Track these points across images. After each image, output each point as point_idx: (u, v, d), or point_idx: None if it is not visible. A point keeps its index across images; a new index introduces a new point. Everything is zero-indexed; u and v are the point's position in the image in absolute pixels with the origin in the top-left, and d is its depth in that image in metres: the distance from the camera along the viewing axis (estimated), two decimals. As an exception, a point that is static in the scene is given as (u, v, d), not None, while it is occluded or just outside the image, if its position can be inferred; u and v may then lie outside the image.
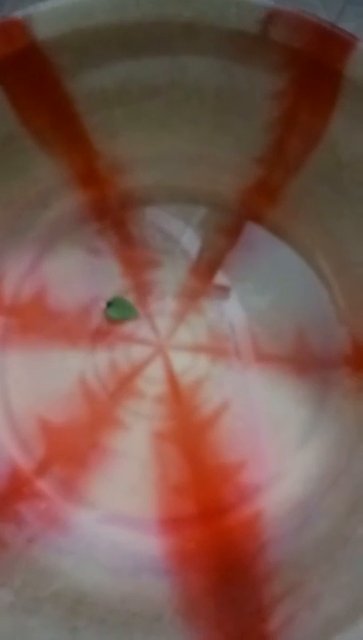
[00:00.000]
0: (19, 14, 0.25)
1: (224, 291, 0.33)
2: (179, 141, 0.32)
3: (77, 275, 0.33)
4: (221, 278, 0.33)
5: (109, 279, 0.33)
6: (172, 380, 0.32)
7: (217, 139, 0.31)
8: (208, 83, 0.29)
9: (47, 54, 0.26)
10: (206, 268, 0.34)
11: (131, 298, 0.33)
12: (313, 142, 0.29)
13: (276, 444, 0.31)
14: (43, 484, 0.30)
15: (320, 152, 0.29)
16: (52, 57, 0.27)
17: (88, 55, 0.27)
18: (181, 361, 0.32)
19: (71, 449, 0.31)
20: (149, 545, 0.29)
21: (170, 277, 0.33)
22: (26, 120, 0.28)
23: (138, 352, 0.32)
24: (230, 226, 0.34)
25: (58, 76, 0.28)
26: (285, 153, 0.30)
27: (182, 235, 0.34)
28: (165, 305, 0.33)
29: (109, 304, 0.32)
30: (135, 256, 0.34)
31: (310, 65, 0.25)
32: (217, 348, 0.32)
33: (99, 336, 0.32)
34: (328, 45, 0.24)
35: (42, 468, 0.30)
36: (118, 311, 0.32)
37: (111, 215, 0.34)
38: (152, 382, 0.32)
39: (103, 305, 0.33)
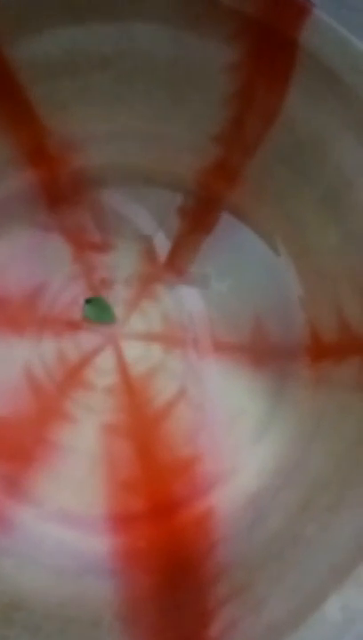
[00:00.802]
0: None
1: (180, 276, 0.32)
2: (133, 117, 0.30)
3: (25, 259, 0.31)
4: (177, 263, 0.32)
5: (59, 264, 0.31)
6: (123, 370, 0.30)
7: (173, 115, 0.29)
8: (159, 53, 0.27)
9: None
10: (163, 253, 0.32)
11: (82, 283, 0.31)
12: (270, 119, 0.28)
13: (231, 438, 0.29)
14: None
15: (278, 130, 0.28)
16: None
17: (27, 19, 0.25)
18: (133, 350, 0.31)
19: (16, 444, 0.29)
20: (96, 544, 0.27)
21: (123, 262, 0.32)
22: None
23: (87, 341, 0.31)
24: (188, 208, 0.32)
25: (-5, 41, 0.25)
26: (242, 131, 0.29)
27: (137, 217, 0.32)
28: (117, 291, 0.31)
29: (88, 301, 0.30)
30: (87, 240, 0.32)
31: (264, 33, 0.23)
32: (172, 337, 0.31)
33: (46, 324, 0.31)
34: (282, 11, 0.22)
35: (-17, 464, 0.29)
36: (95, 312, 0.30)
37: (62, 197, 0.32)
38: (102, 373, 0.30)
39: (51, 291, 0.31)
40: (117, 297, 0.31)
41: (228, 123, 0.29)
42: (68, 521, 0.28)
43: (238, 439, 0.29)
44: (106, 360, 0.30)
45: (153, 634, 0.21)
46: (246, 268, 0.31)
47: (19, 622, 0.22)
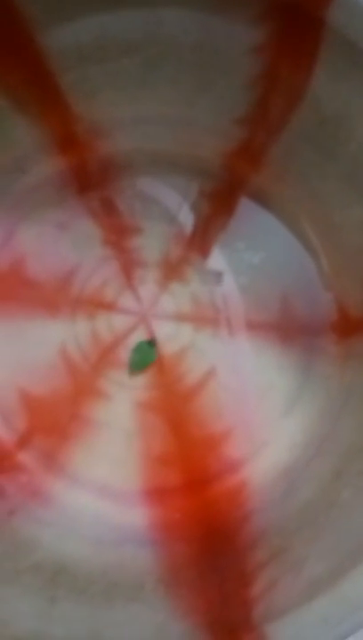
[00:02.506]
0: None
1: (207, 257, 0.32)
2: (158, 102, 0.31)
3: (57, 243, 0.32)
4: (204, 245, 0.33)
5: (90, 247, 0.32)
6: (155, 349, 0.31)
7: (198, 99, 0.30)
8: (186, 38, 0.28)
9: (17, 4, 0.25)
10: (190, 235, 0.33)
11: (113, 266, 0.32)
12: (295, 99, 0.28)
13: (261, 413, 0.30)
14: (24, 457, 0.29)
15: (303, 110, 0.28)
16: (23, 8, 0.25)
17: (61, 7, 0.26)
18: (164, 330, 0.31)
19: (53, 421, 0.30)
20: (133, 516, 0.28)
21: (153, 245, 0.32)
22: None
23: (120, 321, 0.31)
24: (214, 191, 0.33)
25: (28, 30, 0.26)
26: (267, 112, 0.29)
27: (164, 201, 0.33)
28: (147, 273, 0.32)
29: (136, 350, 0.30)
30: (117, 223, 0.33)
31: (291, 13, 0.24)
32: (201, 317, 0.31)
33: (79, 305, 0.31)
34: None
35: (23, 441, 0.30)
36: (139, 359, 0.30)
37: (91, 182, 0.33)
38: (135, 352, 0.31)
39: (83, 273, 0.32)
40: (147, 279, 0.32)
41: (252, 105, 0.29)
42: (105, 494, 0.29)
43: (268, 414, 0.30)
44: (138, 340, 0.31)
45: (195, 594, 0.22)
46: (271, 249, 0.32)
47: (64, 585, 0.23)
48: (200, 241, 0.33)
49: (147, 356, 0.30)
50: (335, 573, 0.20)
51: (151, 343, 0.30)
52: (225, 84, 0.29)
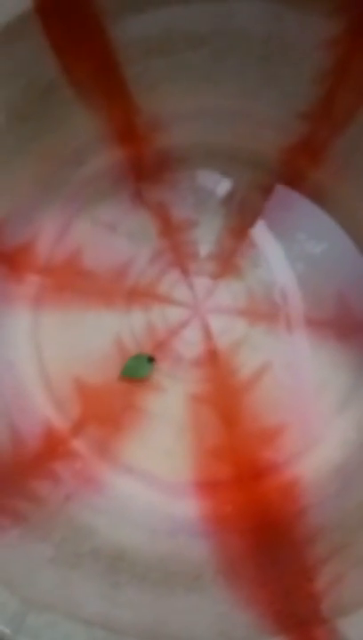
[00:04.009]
0: None
1: (262, 253, 0.32)
2: (221, 95, 0.31)
3: (113, 234, 0.32)
4: (259, 239, 0.32)
5: (145, 239, 0.32)
6: (209, 342, 0.31)
7: (262, 92, 0.30)
8: (256, 30, 0.27)
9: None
10: (245, 230, 0.33)
11: (168, 258, 0.32)
12: (364, 96, 0.28)
13: (315, 409, 0.30)
14: (78, 444, 0.30)
15: (371, 106, 0.28)
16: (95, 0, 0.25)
17: (134, -1, 0.26)
18: (218, 323, 0.31)
19: (106, 410, 0.30)
20: (185, 507, 0.28)
21: (208, 238, 0.32)
22: (67, 68, 0.27)
23: (174, 314, 0.32)
24: (271, 187, 0.33)
25: (100, 20, 0.26)
26: (333, 107, 0.29)
27: (220, 194, 0.33)
28: (202, 266, 0.32)
29: (135, 358, 0.31)
30: (172, 216, 0.33)
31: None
32: (255, 311, 0.31)
33: (134, 296, 0.32)
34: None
35: (77, 428, 0.30)
36: (133, 368, 0.31)
37: (148, 174, 0.33)
38: (189, 345, 0.31)
39: (138, 265, 0.32)
40: (202, 271, 0.32)
41: (318, 100, 0.29)
42: (157, 485, 0.29)
43: (322, 411, 0.30)
44: (192, 332, 0.31)
45: (256, 586, 0.22)
46: (326, 245, 0.32)
47: (125, 571, 0.23)
48: (255, 235, 0.32)
49: (140, 369, 0.30)
50: None
51: (151, 359, 0.30)
52: (292, 78, 0.29)
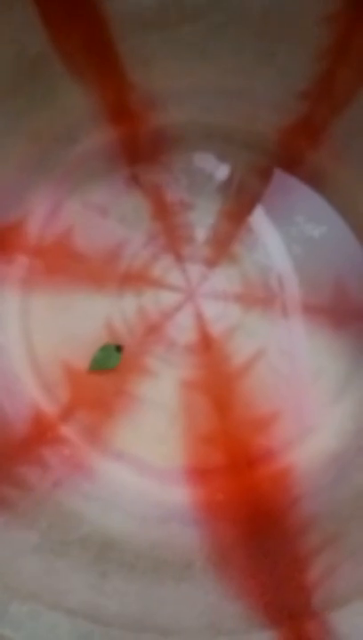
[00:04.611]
0: None
1: (258, 237, 0.31)
2: (218, 73, 0.30)
3: (105, 216, 0.32)
4: (255, 225, 0.32)
5: (139, 222, 0.32)
6: (202, 328, 0.31)
7: (259, 70, 0.29)
8: (253, 4, 0.26)
9: None
10: (241, 213, 0.32)
11: (162, 241, 0.31)
12: (365, 74, 0.27)
13: (310, 397, 0.29)
14: (67, 430, 0.29)
15: (372, 85, 0.27)
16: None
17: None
18: (212, 309, 0.31)
19: (97, 395, 0.30)
20: (176, 494, 0.28)
21: (203, 221, 0.32)
22: (57, 40, 0.26)
23: (167, 298, 0.31)
24: (268, 169, 0.32)
25: (93, -9, 0.25)
26: (333, 86, 0.28)
27: (216, 176, 0.32)
28: (196, 250, 0.31)
29: (102, 349, 0.30)
30: (166, 198, 0.32)
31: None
32: (250, 297, 0.31)
33: (127, 280, 0.31)
34: None
35: (66, 414, 0.29)
36: (102, 359, 0.30)
37: (142, 154, 0.32)
38: (182, 330, 0.31)
39: (131, 248, 0.31)
40: (196, 255, 0.31)
41: (318, 78, 0.28)
42: (148, 471, 0.29)
43: (318, 399, 0.29)
44: (185, 317, 0.31)
45: (247, 576, 0.22)
46: (324, 231, 0.31)
47: (114, 560, 0.23)
48: (253, 219, 0.32)
49: (109, 360, 0.29)
50: None
51: (118, 348, 0.29)
52: (290, 55, 0.28)
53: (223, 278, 0.31)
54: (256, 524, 0.26)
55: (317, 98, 0.29)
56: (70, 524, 0.25)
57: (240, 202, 0.32)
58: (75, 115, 0.30)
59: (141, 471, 0.29)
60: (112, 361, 0.29)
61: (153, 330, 0.31)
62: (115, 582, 0.21)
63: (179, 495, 0.28)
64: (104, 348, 0.29)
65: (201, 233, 0.32)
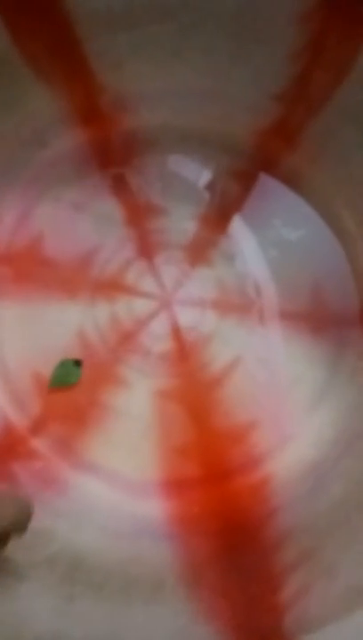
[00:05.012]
0: None
1: (235, 242, 0.31)
2: (190, 74, 0.29)
3: (76, 222, 0.31)
4: (231, 229, 0.31)
5: (111, 227, 0.31)
6: (177, 336, 0.30)
7: (233, 71, 0.28)
8: (226, 4, 0.26)
9: None
10: (216, 218, 0.31)
11: (135, 247, 0.31)
12: (340, 75, 0.26)
13: (288, 406, 0.29)
14: (38, 443, 0.28)
15: (348, 86, 0.27)
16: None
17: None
18: (187, 316, 0.30)
19: (69, 407, 0.29)
20: (149, 508, 0.27)
21: (177, 226, 0.31)
22: (21, 41, 0.26)
23: (141, 306, 0.30)
24: (244, 172, 0.31)
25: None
26: (308, 87, 0.28)
27: (191, 180, 0.31)
28: (171, 256, 0.31)
29: (60, 365, 0.28)
30: (140, 202, 0.31)
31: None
32: (226, 304, 0.30)
33: (99, 287, 0.30)
34: None
35: (37, 427, 0.29)
36: (61, 375, 0.29)
37: (114, 158, 0.31)
38: (156, 338, 0.30)
39: (103, 254, 0.30)
40: (170, 262, 0.31)
41: (293, 79, 0.28)
42: (122, 484, 0.28)
43: (295, 407, 0.29)
44: (160, 325, 0.30)
45: (217, 596, 0.21)
46: (302, 236, 0.30)
47: (82, 581, 0.22)
48: (229, 224, 0.31)
49: (69, 375, 0.29)
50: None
51: (77, 363, 0.28)
52: (264, 56, 0.27)
53: (199, 285, 0.30)
54: (231, 538, 0.25)
55: (292, 100, 0.28)
56: (39, 543, 0.24)
57: (216, 206, 0.31)
58: (43, 118, 0.29)
59: (114, 484, 0.28)
60: (72, 376, 0.28)
61: (127, 338, 0.30)
62: (81, 605, 0.20)
63: (152, 508, 0.27)
64: (62, 365, 0.28)
65: (176, 238, 0.31)
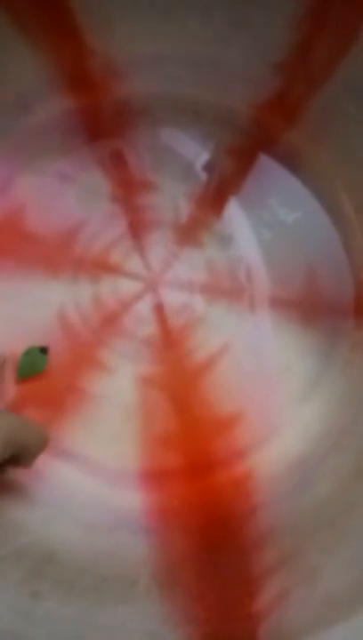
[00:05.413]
0: None
1: (228, 222, 0.29)
2: (186, 38, 0.27)
3: (61, 194, 0.29)
4: (224, 209, 0.29)
5: (97, 202, 0.29)
6: (163, 320, 0.28)
7: (231, 37, 0.26)
8: None
9: None
10: (210, 197, 0.29)
11: (121, 224, 0.29)
12: (344, 46, 0.24)
13: (276, 397, 0.27)
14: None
15: (352, 59, 0.25)
16: None
17: None
18: (174, 300, 0.28)
19: (47, 391, 0.28)
20: (128, 499, 0.26)
21: (168, 204, 0.29)
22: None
23: (126, 287, 0.28)
24: (241, 149, 0.29)
25: None
26: (310, 59, 0.26)
27: (183, 155, 0.29)
28: (159, 235, 0.29)
29: (26, 354, 0.27)
30: (128, 177, 0.29)
31: None
32: (216, 288, 0.28)
33: (82, 265, 0.28)
34: None
35: (14, 411, 0.27)
36: (28, 365, 0.27)
37: (103, 128, 0.29)
38: (140, 321, 0.28)
39: (89, 231, 0.29)
40: (159, 241, 0.29)
41: (294, 49, 0.26)
42: (100, 473, 0.27)
43: (283, 399, 0.28)
44: (145, 308, 0.28)
45: (192, 598, 0.20)
46: (297, 218, 0.29)
47: (51, 577, 0.21)
48: (222, 203, 0.29)
49: (36, 364, 0.27)
50: (355, 593, 0.18)
51: (43, 350, 0.27)
52: (265, 22, 0.25)
53: (188, 267, 0.29)
54: (211, 535, 0.24)
55: (293, 71, 0.26)
56: (8, 534, 0.23)
57: (210, 183, 0.29)
58: (27, 81, 0.27)
59: (93, 473, 0.27)
60: (39, 365, 0.27)
61: (110, 320, 0.28)
62: (47, 605, 0.19)
63: (131, 500, 0.26)
64: (28, 353, 0.27)
65: (166, 216, 0.29)
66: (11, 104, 0.28)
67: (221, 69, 0.28)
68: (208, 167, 0.29)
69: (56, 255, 0.29)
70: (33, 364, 0.27)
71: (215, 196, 0.29)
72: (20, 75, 0.27)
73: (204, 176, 0.29)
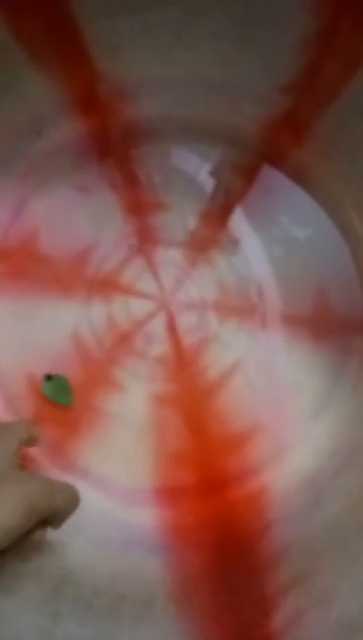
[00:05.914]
0: None
1: (238, 241, 0.29)
2: (195, 61, 0.27)
3: (73, 217, 0.29)
4: (235, 227, 0.30)
5: (109, 223, 0.29)
6: (175, 339, 0.29)
7: (240, 59, 0.27)
8: (233, -13, 0.24)
9: None
10: (219, 215, 0.30)
11: (133, 244, 0.29)
12: (352, 66, 0.25)
13: (287, 414, 0.28)
14: (30, 447, 0.27)
15: (359, 80, 0.25)
16: None
17: None
18: (186, 318, 0.29)
19: (62, 410, 0.28)
20: (142, 517, 0.26)
21: (178, 223, 0.29)
22: (16, 25, 0.24)
23: (138, 307, 0.29)
24: (249, 167, 0.29)
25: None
26: (318, 79, 0.26)
27: (193, 175, 0.30)
28: (170, 255, 0.29)
29: (48, 378, 0.28)
30: (139, 198, 0.30)
31: None
32: (227, 306, 0.29)
33: (95, 286, 0.29)
34: None
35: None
36: (54, 391, 0.28)
37: (113, 149, 0.30)
38: (153, 341, 0.29)
39: (100, 252, 0.29)
40: (170, 261, 0.29)
41: (302, 70, 0.26)
42: (113, 491, 0.27)
43: (294, 416, 0.28)
44: (157, 327, 0.29)
45: (209, 617, 0.20)
46: (307, 235, 0.29)
47: (70, 596, 0.21)
48: (230, 221, 0.30)
49: (62, 396, 0.28)
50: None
51: (65, 384, 0.27)
52: (273, 44, 0.25)
53: (199, 286, 0.29)
54: (225, 552, 0.24)
55: (301, 91, 0.27)
56: (26, 552, 0.23)
57: (220, 202, 0.30)
58: (39, 106, 0.28)
59: (106, 491, 0.27)
60: (66, 399, 0.28)
61: (122, 340, 0.29)
62: (67, 625, 0.19)
63: (145, 518, 0.26)
64: (54, 382, 0.28)
65: (176, 235, 0.30)
66: (24, 129, 0.28)
67: (230, 90, 0.28)
68: (218, 186, 0.30)
69: (68, 276, 0.29)
70: (59, 395, 0.27)
71: (226, 214, 0.30)
72: (32, 101, 0.27)
73: (214, 194, 0.30)
